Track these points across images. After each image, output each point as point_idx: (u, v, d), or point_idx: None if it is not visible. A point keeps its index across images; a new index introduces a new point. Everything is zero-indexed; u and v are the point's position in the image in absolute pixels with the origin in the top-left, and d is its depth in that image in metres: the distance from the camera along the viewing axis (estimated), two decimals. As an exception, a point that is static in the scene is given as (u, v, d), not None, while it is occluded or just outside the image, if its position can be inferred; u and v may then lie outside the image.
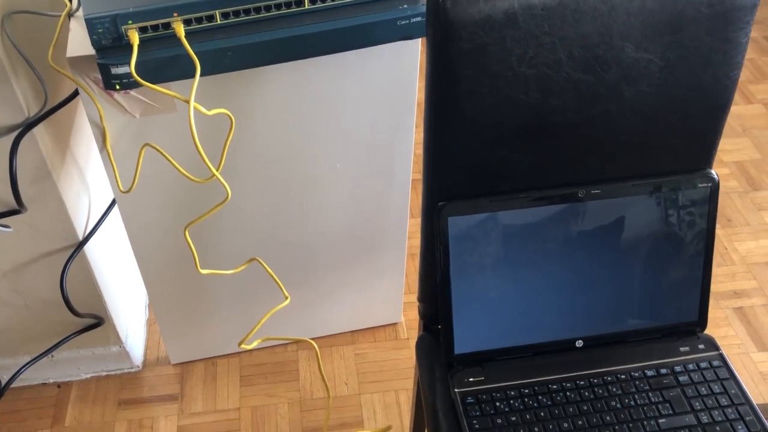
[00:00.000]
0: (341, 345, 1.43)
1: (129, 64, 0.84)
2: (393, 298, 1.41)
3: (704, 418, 0.84)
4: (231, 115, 0.92)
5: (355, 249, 1.27)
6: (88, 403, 1.34)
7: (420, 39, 0.98)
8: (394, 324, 1.46)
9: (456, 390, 0.87)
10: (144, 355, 1.41)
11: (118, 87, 0.87)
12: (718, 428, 0.83)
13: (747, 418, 0.84)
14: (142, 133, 1.00)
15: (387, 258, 1.31)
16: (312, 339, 1.42)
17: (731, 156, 1.81)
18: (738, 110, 1.93)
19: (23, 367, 1.26)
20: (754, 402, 0.86)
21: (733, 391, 0.87)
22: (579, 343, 0.91)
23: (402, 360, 1.40)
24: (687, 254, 0.90)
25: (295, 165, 1.09)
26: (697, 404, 0.85)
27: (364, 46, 0.94)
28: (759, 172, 1.76)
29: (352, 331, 1.45)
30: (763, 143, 1.83)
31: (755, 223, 1.65)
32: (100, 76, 0.88)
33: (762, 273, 1.55)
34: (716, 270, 1.55)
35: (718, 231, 1.63)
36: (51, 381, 1.36)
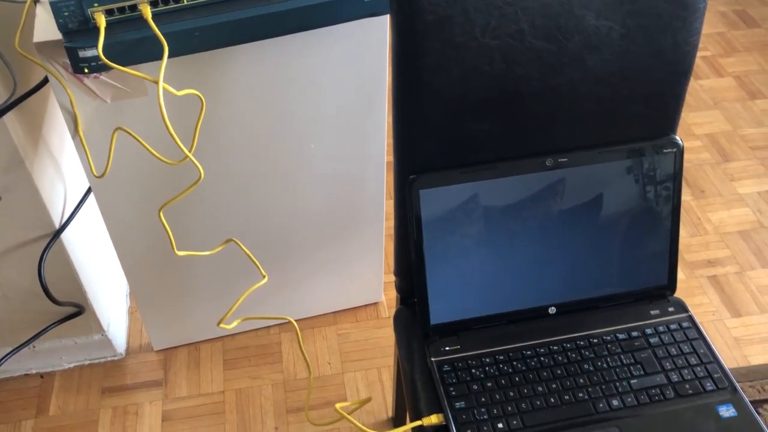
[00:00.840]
0: (323, 326, 1.44)
1: (97, 46, 0.84)
2: (373, 278, 1.42)
3: (674, 377, 0.86)
4: (201, 95, 0.93)
5: (333, 229, 1.28)
6: (72, 392, 1.34)
7: (388, 17, 0.99)
8: (375, 303, 1.47)
9: (432, 359, 0.88)
10: (127, 343, 1.42)
11: (86, 70, 0.87)
12: (687, 386, 0.86)
13: (715, 376, 0.86)
14: (114, 118, 1.00)
15: (365, 238, 1.33)
16: (294, 320, 1.43)
17: (703, 128, 1.83)
18: (709, 83, 1.96)
19: (4, 357, 1.26)
20: (723, 360, 0.89)
21: (701, 351, 0.89)
22: (552, 310, 0.92)
23: (384, 338, 1.42)
24: (655, 219, 0.92)
25: (268, 145, 1.10)
26: (668, 364, 0.88)
27: (332, 23, 0.94)
28: (730, 144, 1.79)
29: (333, 312, 1.46)
30: (734, 115, 1.86)
31: (727, 194, 1.68)
32: (68, 61, 0.88)
33: (734, 242, 1.58)
34: (690, 240, 1.58)
35: (692, 202, 1.66)
36: (33, 371, 1.36)
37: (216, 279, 1.27)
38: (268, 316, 1.35)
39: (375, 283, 1.43)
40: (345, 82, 1.06)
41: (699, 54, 2.05)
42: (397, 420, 1.26)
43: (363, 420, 1.30)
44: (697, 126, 1.84)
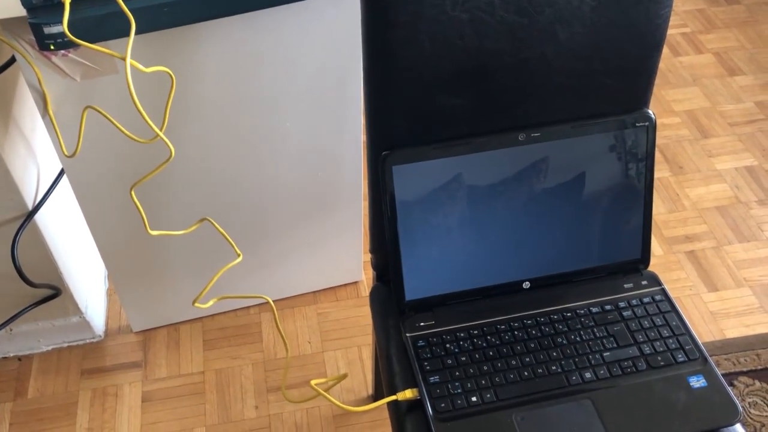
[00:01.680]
0: (303, 305, 1.44)
1: (62, 22, 0.82)
2: (353, 257, 1.42)
3: (646, 350, 0.87)
4: (171, 72, 0.92)
5: (310, 208, 1.27)
6: (51, 375, 1.34)
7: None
8: (356, 282, 1.47)
9: (407, 335, 0.89)
10: (105, 325, 1.41)
11: (52, 47, 0.85)
12: (659, 358, 0.86)
13: (686, 347, 0.87)
14: (84, 96, 0.98)
15: (344, 217, 1.32)
16: (274, 301, 1.43)
17: (682, 105, 1.84)
18: (689, 60, 1.96)
19: (-19, 341, 1.25)
20: (694, 332, 0.89)
21: (674, 323, 0.90)
22: (526, 285, 0.93)
23: (364, 317, 1.42)
24: (629, 192, 0.92)
25: (241, 123, 1.09)
26: (640, 337, 0.88)
27: (303, -2, 0.93)
28: (709, 120, 1.80)
29: (314, 292, 1.46)
30: (713, 92, 1.87)
31: (705, 170, 1.69)
32: (34, 38, 0.86)
33: (712, 217, 1.59)
34: (668, 216, 1.59)
35: (671, 178, 1.67)
36: (11, 355, 1.35)
37: (193, 259, 1.27)
38: (244, 295, 1.35)
39: (355, 262, 1.43)
40: (319, 58, 1.05)
41: (679, 30, 2.05)
42: (377, 397, 1.27)
43: (343, 398, 1.30)
44: (676, 102, 1.84)
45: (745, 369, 1.32)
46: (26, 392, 1.31)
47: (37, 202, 1.15)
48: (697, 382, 0.84)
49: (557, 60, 0.84)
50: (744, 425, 0.88)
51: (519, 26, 0.80)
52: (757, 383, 1.30)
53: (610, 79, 0.87)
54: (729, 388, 0.83)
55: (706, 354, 0.87)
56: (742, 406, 1.26)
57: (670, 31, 2.04)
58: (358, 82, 1.11)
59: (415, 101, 0.84)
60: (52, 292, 1.26)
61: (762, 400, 1.27)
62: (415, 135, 0.86)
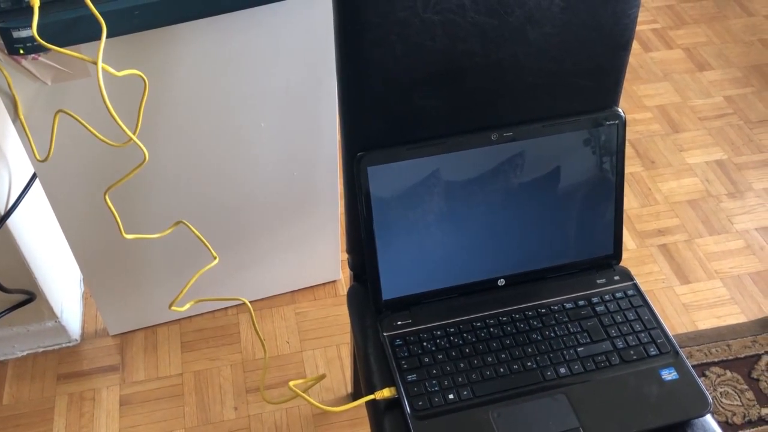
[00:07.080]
0: (281, 305, 1.44)
1: (31, 26, 0.81)
2: (330, 256, 1.42)
3: (619, 344, 0.89)
4: (144, 76, 0.91)
5: (287, 209, 1.27)
6: (26, 380, 1.32)
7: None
8: (334, 281, 1.48)
9: (385, 334, 0.89)
10: (82, 329, 1.40)
11: (22, 51, 0.85)
12: (632, 352, 0.88)
13: (658, 341, 0.89)
14: (56, 100, 0.97)
15: (321, 217, 1.33)
16: (251, 301, 1.43)
17: (653, 100, 1.86)
18: (659, 56, 1.99)
19: (-46, 348, 1.24)
20: (666, 326, 0.91)
21: (646, 317, 0.92)
22: (501, 282, 0.94)
23: (342, 315, 1.42)
24: (600, 190, 0.93)
25: (216, 125, 1.09)
26: (613, 331, 0.90)
27: (275, 0, 0.93)
28: (680, 115, 1.83)
29: (291, 292, 1.46)
30: (683, 87, 1.90)
31: (677, 164, 1.72)
32: (3, 42, 0.85)
33: (683, 211, 1.62)
34: (641, 210, 1.62)
35: (643, 173, 1.70)
36: (-14, 361, 1.34)
37: (169, 262, 1.26)
38: (221, 298, 1.34)
39: (332, 261, 1.44)
40: (293, 59, 1.05)
41: (649, 26, 2.08)
42: (356, 395, 1.28)
43: (322, 396, 1.31)
44: (647, 98, 1.87)
45: (716, 359, 1.35)
46: (1, 399, 1.30)
47: (9, 206, 1.13)
48: (668, 375, 0.86)
49: (528, 60, 0.85)
50: (715, 415, 0.90)
51: (490, 27, 0.81)
52: (728, 373, 1.33)
53: (581, 78, 0.89)
54: (700, 381, 0.85)
55: (677, 347, 0.88)
56: (714, 396, 1.29)
57: (640, 27, 2.07)
58: (333, 82, 1.11)
59: (388, 102, 0.85)
60: (27, 297, 1.25)
61: (733, 390, 1.30)
62: (389, 135, 0.87)
